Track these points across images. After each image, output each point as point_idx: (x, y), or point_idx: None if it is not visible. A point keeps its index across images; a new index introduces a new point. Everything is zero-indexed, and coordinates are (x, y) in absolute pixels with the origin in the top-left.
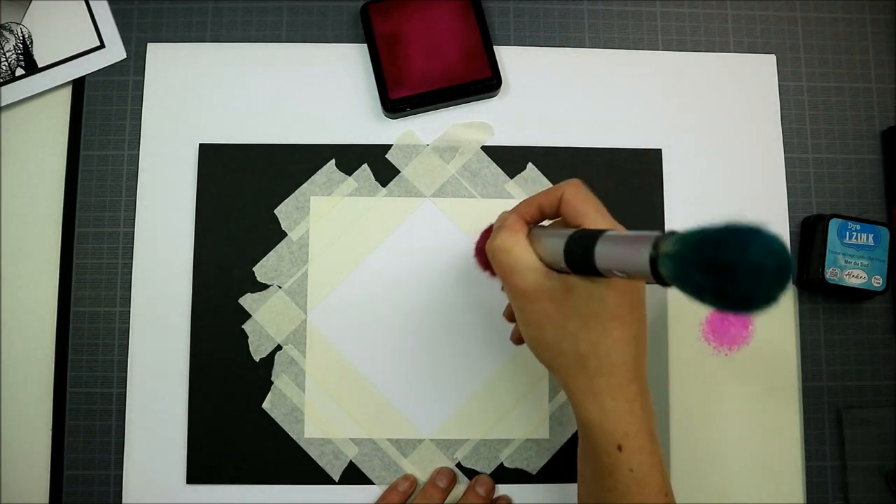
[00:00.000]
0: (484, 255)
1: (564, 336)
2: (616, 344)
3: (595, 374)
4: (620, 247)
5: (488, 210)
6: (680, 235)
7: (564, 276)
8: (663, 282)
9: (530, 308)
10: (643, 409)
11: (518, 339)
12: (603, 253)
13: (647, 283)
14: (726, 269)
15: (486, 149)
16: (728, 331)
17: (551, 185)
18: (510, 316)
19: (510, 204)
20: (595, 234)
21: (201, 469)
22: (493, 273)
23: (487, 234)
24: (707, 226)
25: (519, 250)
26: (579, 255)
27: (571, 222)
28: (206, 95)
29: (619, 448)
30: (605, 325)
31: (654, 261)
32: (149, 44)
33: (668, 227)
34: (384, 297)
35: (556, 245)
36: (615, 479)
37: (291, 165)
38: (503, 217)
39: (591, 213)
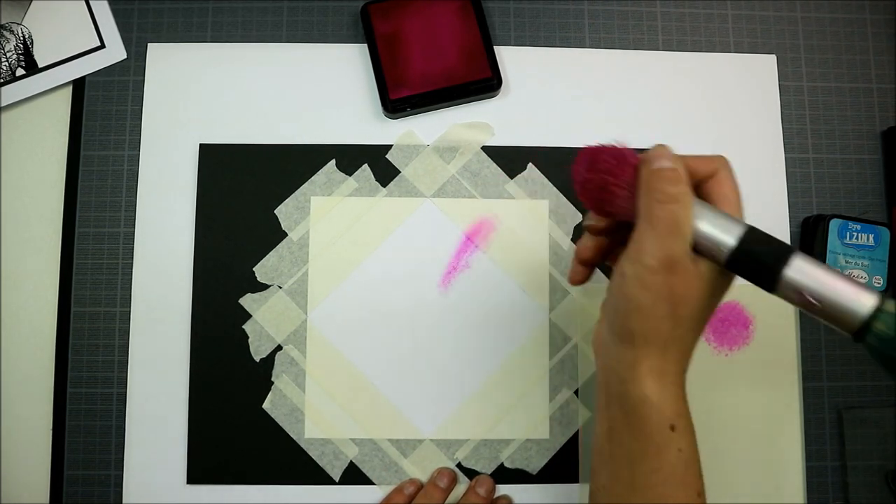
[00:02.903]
0: (597, 172)
1: (668, 316)
2: (698, 335)
3: (671, 359)
4: (836, 281)
5: (488, 210)
6: None
7: (695, 256)
8: (858, 332)
9: (654, 278)
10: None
11: (581, 280)
12: (806, 277)
13: (837, 327)
14: None
15: (486, 149)
16: (728, 331)
17: (550, 185)
18: (591, 252)
19: (511, 204)
20: (787, 249)
21: (201, 469)
22: (597, 207)
23: (601, 151)
24: None
25: (687, 211)
26: (760, 262)
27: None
28: (206, 95)
29: (672, 428)
30: (705, 315)
31: (873, 315)
32: (149, 44)
33: None
34: (384, 297)
35: (719, 231)
36: (662, 458)
37: (291, 165)
38: (663, 153)
39: (736, 203)
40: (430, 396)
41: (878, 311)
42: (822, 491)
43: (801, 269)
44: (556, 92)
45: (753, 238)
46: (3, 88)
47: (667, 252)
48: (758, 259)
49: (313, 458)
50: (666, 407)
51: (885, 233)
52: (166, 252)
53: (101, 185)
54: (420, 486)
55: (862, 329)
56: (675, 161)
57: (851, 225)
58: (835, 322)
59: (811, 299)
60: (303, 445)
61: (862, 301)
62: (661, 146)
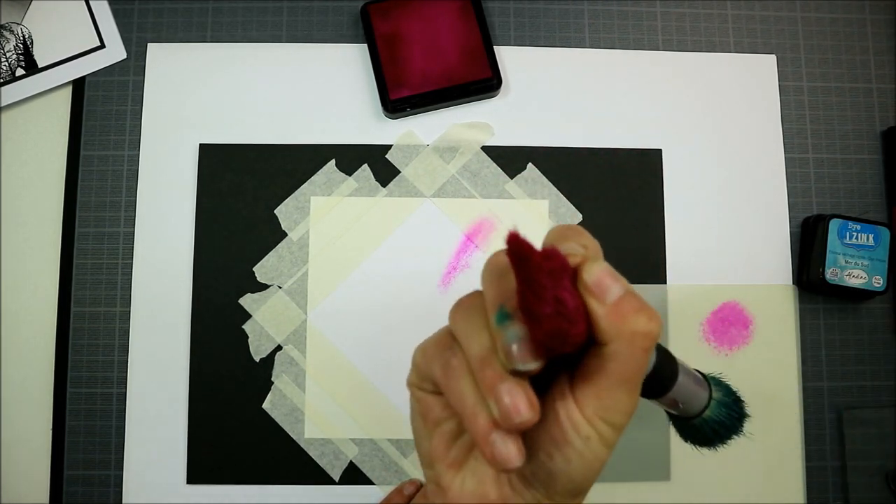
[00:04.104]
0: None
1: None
2: None
3: None
4: (693, 384)
5: (488, 210)
6: (722, 389)
7: None
8: (689, 417)
9: (619, 435)
10: None
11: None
12: (682, 387)
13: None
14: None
15: (486, 149)
16: (728, 331)
17: (550, 185)
18: (536, 409)
19: (511, 204)
20: (674, 361)
21: (201, 469)
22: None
23: (539, 269)
24: (728, 393)
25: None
26: (664, 377)
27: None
28: (206, 95)
29: None
30: None
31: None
32: (149, 44)
33: (669, 226)
34: (384, 297)
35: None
36: None
37: (291, 165)
38: (609, 273)
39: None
40: None
41: (709, 401)
42: (822, 491)
43: (681, 385)
44: (556, 92)
45: (665, 358)
46: (3, 88)
47: (635, 406)
48: (660, 377)
49: (313, 458)
50: None
51: (885, 233)
52: (166, 252)
53: (101, 185)
54: (420, 486)
55: (695, 416)
56: (621, 279)
57: (851, 225)
58: (685, 416)
59: (680, 405)
60: (303, 445)
61: (702, 398)
62: (594, 259)
